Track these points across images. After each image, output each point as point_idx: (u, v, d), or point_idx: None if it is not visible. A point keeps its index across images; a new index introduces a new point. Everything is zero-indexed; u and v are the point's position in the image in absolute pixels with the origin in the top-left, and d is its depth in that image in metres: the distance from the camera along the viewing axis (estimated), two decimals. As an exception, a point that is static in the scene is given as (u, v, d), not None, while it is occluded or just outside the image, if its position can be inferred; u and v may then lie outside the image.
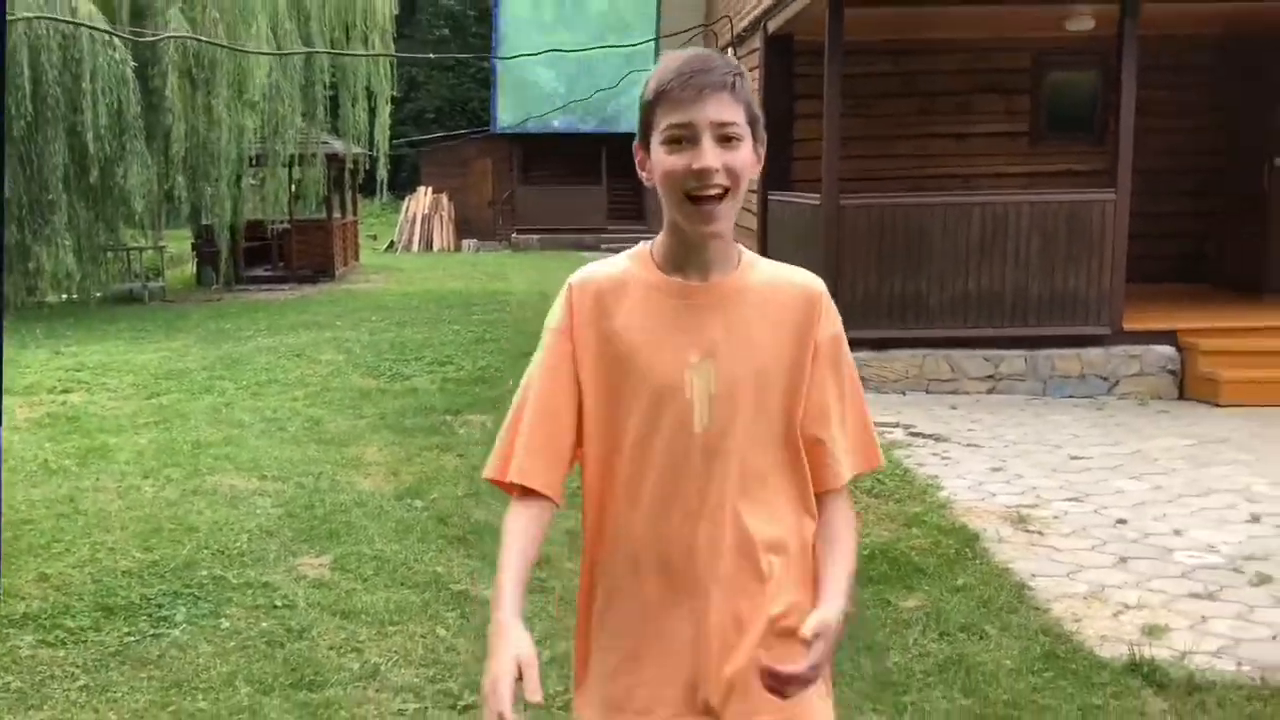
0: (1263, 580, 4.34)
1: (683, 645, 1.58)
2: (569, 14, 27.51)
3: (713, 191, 1.52)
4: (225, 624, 3.95)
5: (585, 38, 25.77)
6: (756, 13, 10.27)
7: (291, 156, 18.14)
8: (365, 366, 9.80)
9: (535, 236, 27.35)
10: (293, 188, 19.84)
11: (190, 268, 19.92)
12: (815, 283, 1.65)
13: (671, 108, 1.53)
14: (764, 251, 10.43)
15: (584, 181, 27.65)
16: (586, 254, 25.34)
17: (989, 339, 8.18)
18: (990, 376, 8.19)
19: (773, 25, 9.89)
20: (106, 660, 3.62)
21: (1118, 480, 5.82)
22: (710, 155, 1.51)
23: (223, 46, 13.85)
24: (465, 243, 28.11)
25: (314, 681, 3.50)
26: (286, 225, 19.63)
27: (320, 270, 19.53)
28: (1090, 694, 3.33)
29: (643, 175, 1.59)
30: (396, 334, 11.79)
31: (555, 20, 27.52)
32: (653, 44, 14.20)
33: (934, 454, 6.36)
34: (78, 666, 3.58)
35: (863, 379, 6.41)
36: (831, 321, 1.64)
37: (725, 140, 1.52)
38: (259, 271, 19.26)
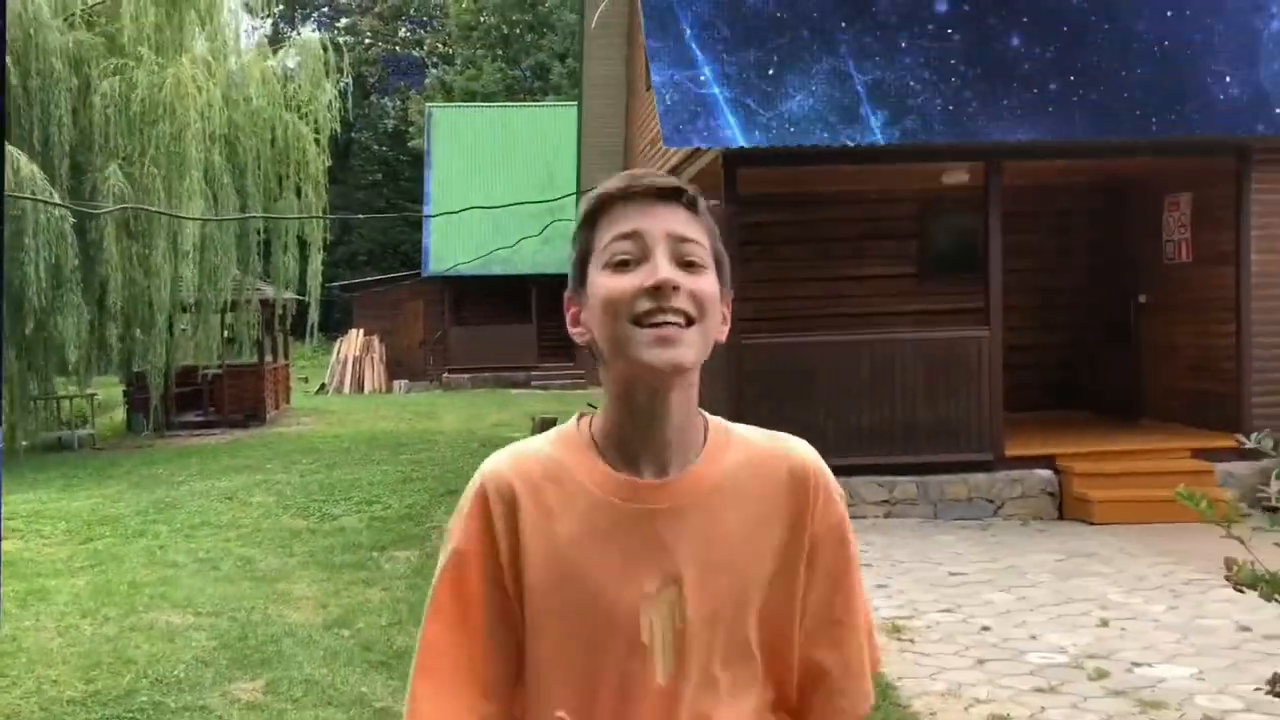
0: (1100, 675, 4.90)
1: None
2: (498, 164, 28.69)
3: (671, 318, 1.18)
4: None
5: (512, 185, 26.90)
6: (667, 169, 11.15)
7: (225, 303, 18.63)
8: (295, 507, 10.15)
9: (466, 376, 27.90)
10: (225, 333, 20.25)
11: (121, 414, 20.09)
12: (806, 456, 1.30)
13: (615, 218, 1.22)
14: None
15: (514, 320, 28.42)
16: (516, 391, 25.92)
17: (883, 466, 8.82)
18: (885, 501, 8.81)
19: (682, 179, 10.75)
20: (56, 777, 3.97)
21: (989, 593, 6.40)
22: (667, 265, 1.19)
23: (162, 214, 14.46)
24: (396, 383, 28.55)
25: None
26: (219, 370, 19.97)
27: (251, 414, 19.81)
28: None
29: (575, 333, 1.27)
30: (326, 475, 12.15)
31: (484, 168, 28.65)
32: (573, 198, 15.07)
33: (826, 573, 6.90)
34: (30, 783, 3.92)
35: None
36: (831, 507, 1.29)
37: (686, 264, 1.21)
38: (190, 417, 19.49)
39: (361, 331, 29.47)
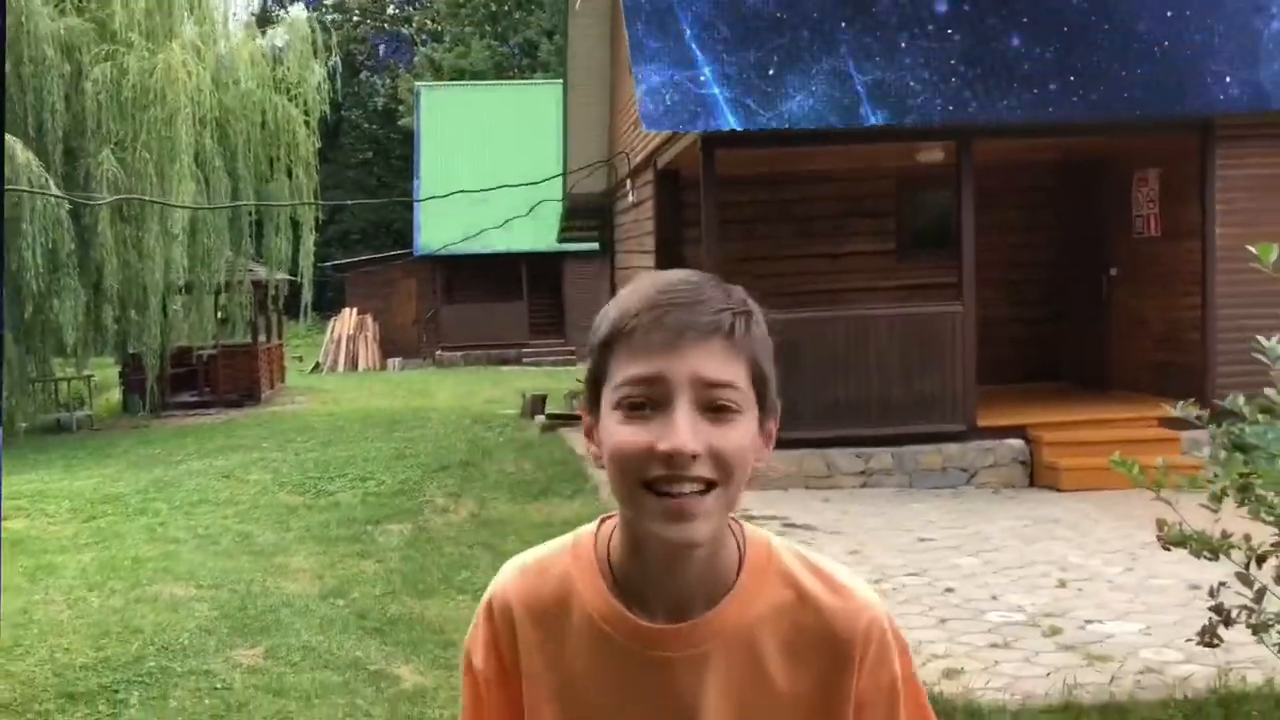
0: (1054, 632, 5.21)
1: None
2: (487, 143, 28.82)
3: (688, 488, 1.03)
4: (173, 703, 4.61)
5: (502, 163, 27.06)
6: (649, 150, 11.37)
7: (218, 285, 18.84)
8: (291, 484, 10.43)
9: (459, 353, 28.17)
10: (219, 314, 20.48)
11: (117, 395, 20.33)
12: (859, 611, 1.12)
13: (635, 351, 1.05)
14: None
15: (505, 299, 28.66)
16: (508, 368, 26.18)
17: (859, 438, 9.12)
18: (862, 472, 9.11)
19: (662, 161, 10.99)
20: (74, 736, 4.27)
21: (956, 557, 6.71)
22: (685, 428, 1.02)
23: (155, 203, 14.67)
24: (390, 361, 28.82)
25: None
26: (213, 351, 20.22)
27: (246, 394, 20.06)
28: None
29: (591, 449, 1.11)
30: (321, 453, 12.43)
31: (474, 147, 28.79)
32: (560, 179, 15.29)
33: (801, 540, 7.20)
34: (50, 740, 4.22)
35: (750, 477, 7.61)
36: (883, 669, 1.13)
37: (715, 410, 1.04)
38: (186, 397, 19.74)
39: (355, 310, 29.71)
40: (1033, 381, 11.17)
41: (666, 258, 11.32)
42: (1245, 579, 3.68)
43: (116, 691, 4.74)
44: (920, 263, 11.31)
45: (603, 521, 1.17)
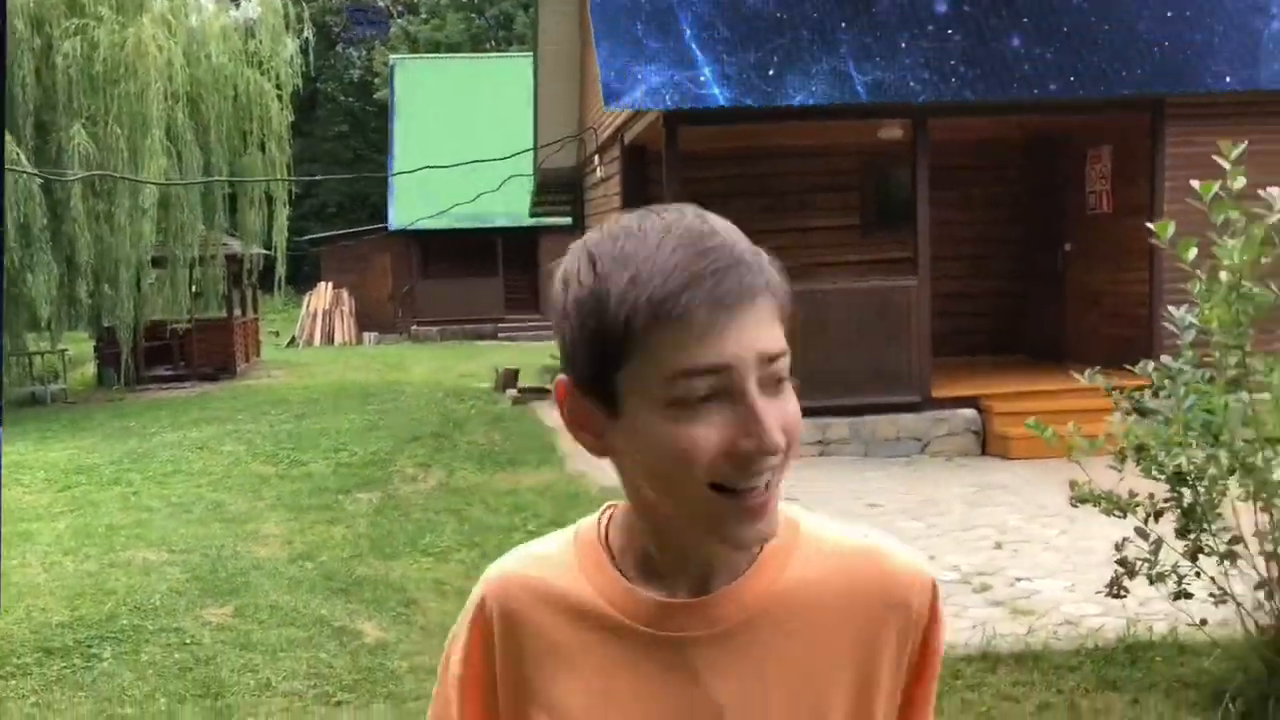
0: (984, 589, 5.50)
1: None
2: (462, 116, 28.87)
3: (763, 481, 0.91)
4: (144, 657, 4.84)
5: (477, 137, 27.13)
6: (615, 125, 11.56)
7: (191, 259, 18.92)
8: (264, 455, 10.63)
9: (435, 328, 28.32)
10: (193, 288, 20.55)
11: (91, 369, 20.41)
12: (908, 566, 1.03)
13: (688, 340, 0.87)
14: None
15: (482, 274, 28.78)
16: (484, 343, 26.36)
17: (818, 409, 9.37)
18: (820, 442, 9.38)
19: (629, 137, 11.18)
20: (50, 685, 4.50)
21: (902, 521, 7.00)
22: (771, 422, 0.89)
23: (126, 179, 14.75)
24: (366, 336, 28.92)
25: (219, 693, 4.42)
26: (188, 325, 20.31)
27: (221, 368, 20.17)
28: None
29: (584, 440, 0.96)
30: (295, 425, 12.61)
31: (449, 120, 28.85)
32: (531, 154, 15.45)
33: (756, 507, 7.47)
34: (28, 690, 4.44)
35: None
36: (936, 634, 1.02)
37: (775, 384, 0.92)
38: (160, 371, 19.83)
39: (330, 285, 29.76)
40: (993, 354, 11.46)
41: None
42: (1143, 533, 3.96)
43: (90, 647, 4.97)
44: (884, 238, 11.53)
45: (605, 512, 1.03)
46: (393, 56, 34.11)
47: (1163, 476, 3.91)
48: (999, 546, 6.30)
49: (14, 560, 6.65)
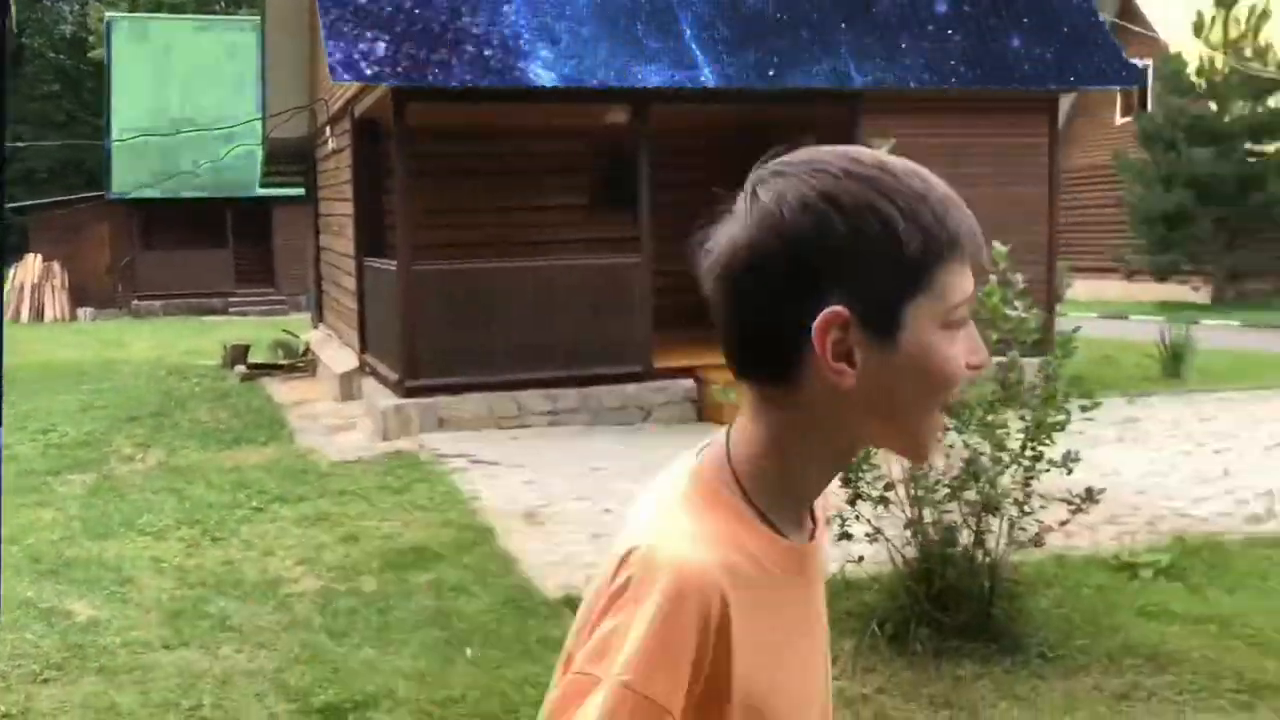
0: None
1: None
2: (186, 79, 27.47)
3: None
4: None
5: (202, 101, 25.91)
6: (346, 98, 11.45)
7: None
8: (-37, 437, 9.95)
9: (159, 303, 26.92)
10: (-124, 259, 18.72)
11: None
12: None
13: (964, 268, 0.97)
14: (363, 317, 11.62)
15: (209, 245, 27.52)
16: (213, 318, 25.27)
17: (548, 380, 9.71)
18: (550, 412, 9.73)
19: (359, 110, 11.11)
20: None
21: (620, 483, 7.40)
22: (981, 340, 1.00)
23: None
24: (81, 311, 27.16)
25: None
26: None
27: (-88, 345, 18.50)
28: (528, 619, 4.74)
29: (837, 370, 0.94)
30: (-1, 405, 11.81)
31: (171, 83, 27.39)
32: (259, 123, 15.00)
33: (484, 475, 7.73)
34: None
35: (440, 420, 8.05)
36: None
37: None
38: None
39: (40, 257, 27.68)
40: (710, 329, 12.12)
41: (364, 206, 11.49)
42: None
43: None
44: (611, 218, 12.00)
45: (712, 472, 1.00)
46: (109, 13, 31.90)
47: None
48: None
49: None
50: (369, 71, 8.75)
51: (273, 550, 6.01)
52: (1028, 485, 4.41)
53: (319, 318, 15.58)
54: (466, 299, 9.54)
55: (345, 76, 8.77)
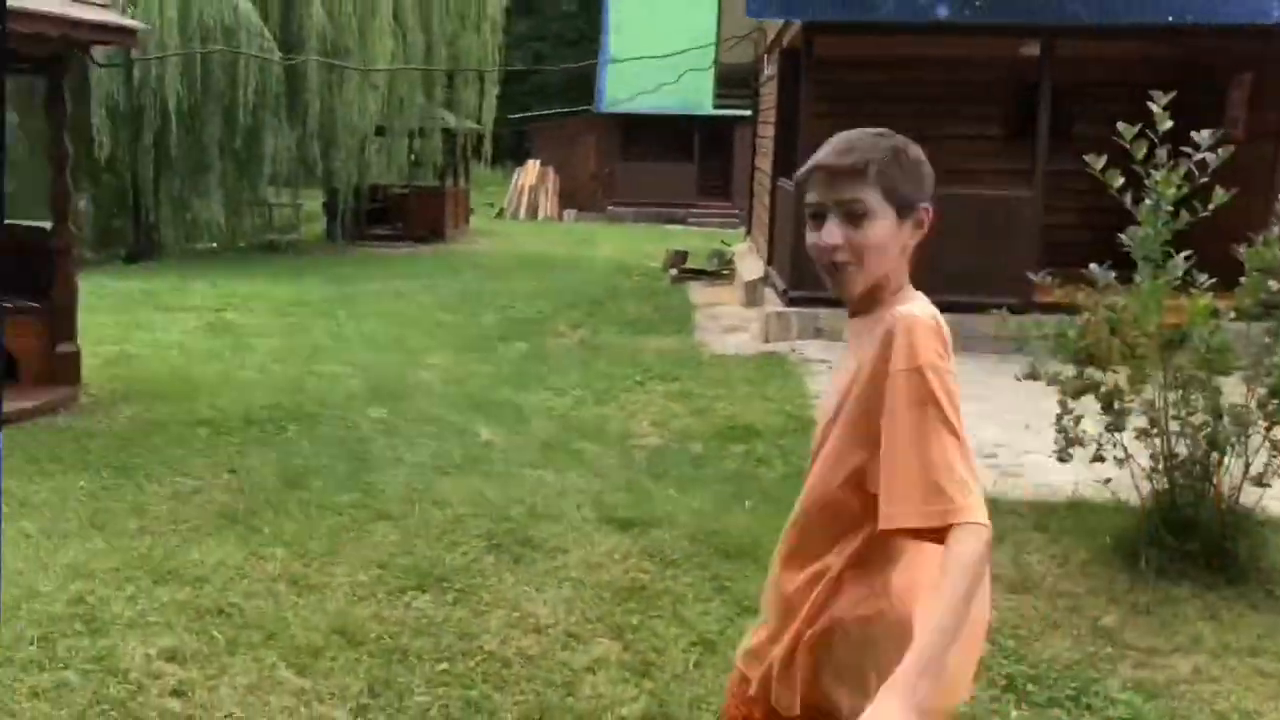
0: (990, 456, 6.50)
1: None
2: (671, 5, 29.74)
3: (837, 263, 1.76)
4: (318, 433, 6.51)
5: (682, 27, 28.00)
6: (778, 29, 12.45)
7: (410, 130, 20.92)
8: (448, 307, 12.38)
9: (630, 209, 29.78)
10: (412, 157, 22.66)
11: (321, 224, 22.94)
12: (902, 315, 1.69)
13: (811, 190, 1.78)
14: (771, 232, 12.69)
15: (678, 159, 29.94)
16: (671, 227, 27.66)
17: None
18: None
19: (786, 40, 12.07)
20: (248, 442, 6.24)
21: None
22: (831, 233, 1.75)
23: (356, 69, 16.69)
24: (567, 213, 30.72)
25: (364, 459, 6.03)
26: (404, 191, 22.48)
27: (432, 231, 22.19)
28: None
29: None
30: (480, 285, 14.36)
31: (662, 10, 29.81)
32: (713, 47, 16.42)
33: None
34: (233, 444, 6.19)
35: (817, 330, 9.26)
36: (901, 356, 1.64)
37: (852, 217, 1.74)
38: (379, 230, 22.11)
39: (539, 162, 31.61)
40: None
41: (783, 130, 12.50)
42: (1065, 407, 4.95)
43: (281, 423, 6.69)
44: (1023, 150, 12.08)
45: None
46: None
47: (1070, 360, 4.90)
48: (1027, 428, 7.24)
49: (236, 363, 8.56)
50: (775, 6, 9.67)
51: (636, 413, 7.35)
52: (1271, 429, 4.60)
53: (748, 231, 16.94)
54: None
55: (754, 10, 9.75)
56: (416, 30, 19.47)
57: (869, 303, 1.80)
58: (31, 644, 3.64)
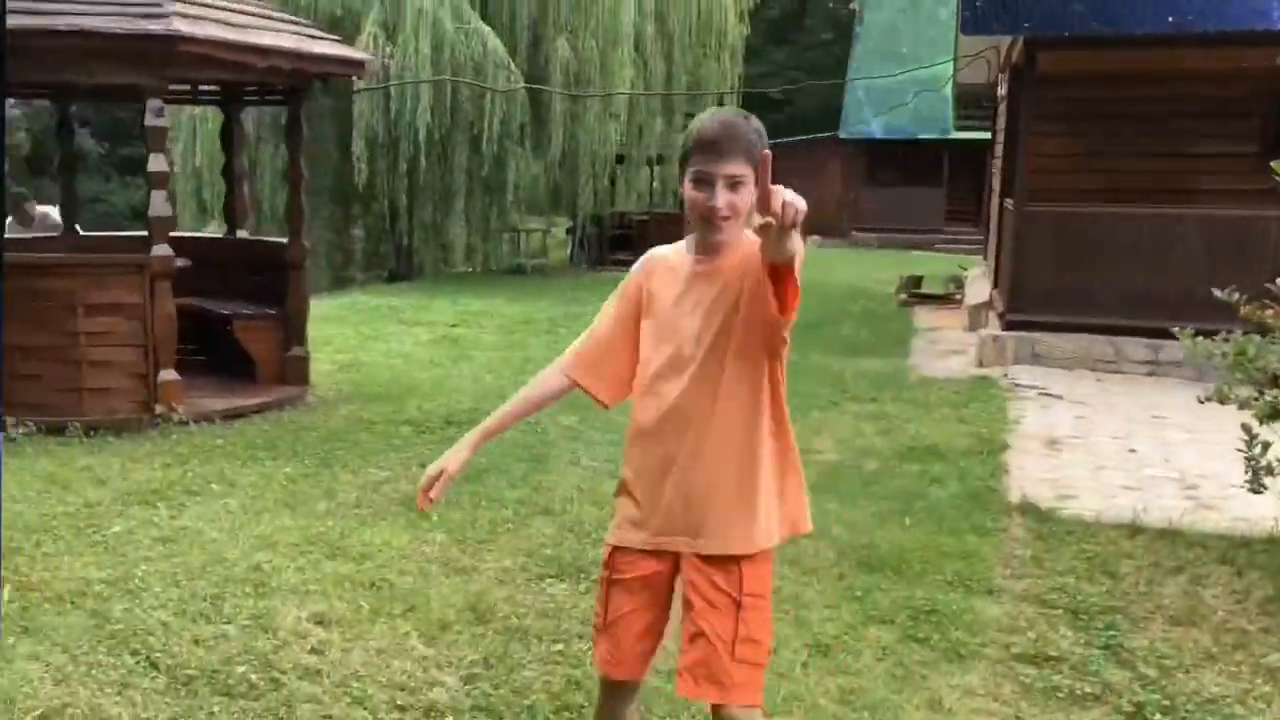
0: (1191, 486, 6.11)
1: None
2: (916, 31, 29.28)
3: (717, 217, 2.32)
4: (507, 434, 6.86)
5: (918, 46, 27.53)
6: (1008, 45, 12.09)
7: (650, 157, 21.54)
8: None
9: (874, 235, 29.39)
10: (654, 184, 23.32)
11: (566, 250, 23.94)
12: (751, 240, 2.29)
13: (696, 157, 2.31)
14: (999, 251, 12.28)
15: (924, 184, 29.31)
16: (918, 253, 27.06)
17: (1151, 330, 9.66)
18: (1150, 361, 9.71)
19: (1015, 57, 11.70)
20: (444, 441, 6.67)
21: (1169, 432, 7.49)
22: (718, 197, 2.30)
23: (595, 95, 17.39)
24: (810, 239, 30.64)
25: (543, 459, 6.34)
26: (644, 217, 23.14)
27: (672, 255, 22.77)
28: (974, 511, 5.50)
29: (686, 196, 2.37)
30: (702, 305, 14.59)
31: (902, 33, 29.40)
32: (951, 63, 16.08)
33: (1041, 404, 8.26)
34: (430, 441, 6.65)
35: (1035, 354, 9.09)
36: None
37: (732, 185, 2.30)
38: (620, 255, 22.81)
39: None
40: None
41: (1010, 149, 12.09)
42: (1249, 430, 4.62)
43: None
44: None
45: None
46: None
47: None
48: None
49: (454, 372, 9.15)
50: (995, 25, 9.43)
51: (820, 431, 7.33)
52: None
53: (985, 255, 16.41)
54: (1072, 242, 9.85)
55: (969, 27, 9.54)
56: (657, 58, 20.05)
57: (726, 245, 2.38)
58: (205, 600, 4.10)
